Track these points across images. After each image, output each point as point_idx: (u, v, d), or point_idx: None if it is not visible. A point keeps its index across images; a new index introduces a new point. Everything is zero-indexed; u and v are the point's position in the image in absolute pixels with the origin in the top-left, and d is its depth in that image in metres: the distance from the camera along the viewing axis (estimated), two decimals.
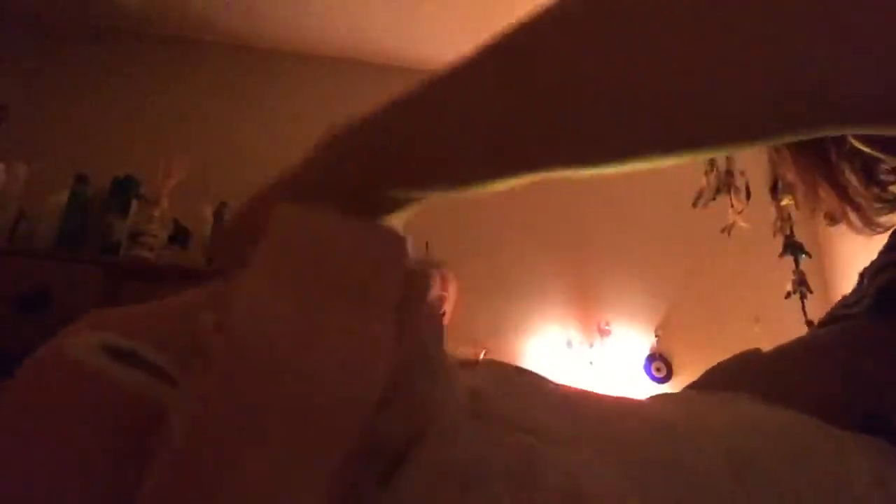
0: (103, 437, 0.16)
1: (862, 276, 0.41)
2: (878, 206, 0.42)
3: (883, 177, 0.42)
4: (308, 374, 0.19)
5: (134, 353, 0.18)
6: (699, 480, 0.24)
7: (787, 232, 2.14)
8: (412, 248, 0.27)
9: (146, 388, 0.17)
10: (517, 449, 0.21)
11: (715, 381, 0.37)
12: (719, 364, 0.39)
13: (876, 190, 0.41)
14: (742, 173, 2.08)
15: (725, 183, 2.09)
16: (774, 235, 2.15)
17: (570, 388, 0.29)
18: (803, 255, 2.16)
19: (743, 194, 2.08)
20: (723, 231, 2.14)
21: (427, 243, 2.29)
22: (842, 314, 0.40)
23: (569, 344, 2.43)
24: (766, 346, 0.44)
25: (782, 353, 0.38)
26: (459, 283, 2.13)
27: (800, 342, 0.38)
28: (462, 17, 2.46)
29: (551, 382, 0.29)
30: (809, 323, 2.03)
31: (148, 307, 0.21)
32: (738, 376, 0.36)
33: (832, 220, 0.45)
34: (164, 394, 0.17)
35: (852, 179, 0.41)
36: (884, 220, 0.42)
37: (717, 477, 0.24)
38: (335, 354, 0.20)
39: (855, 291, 0.41)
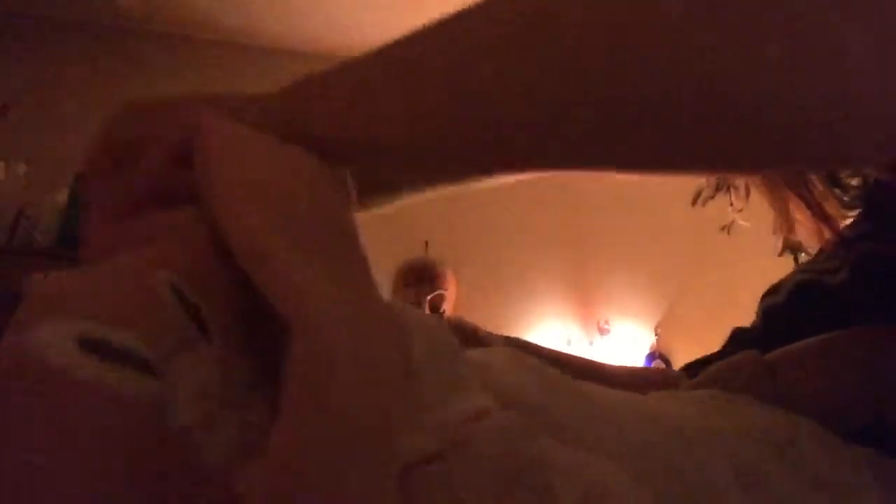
0: (108, 463, 0.14)
1: (837, 237, 0.41)
2: (841, 211, 0.42)
3: (844, 180, 0.42)
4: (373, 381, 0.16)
5: (108, 342, 0.15)
6: (708, 492, 0.24)
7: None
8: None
9: (134, 387, 0.15)
10: (537, 449, 0.20)
11: (718, 382, 0.36)
12: (722, 363, 0.38)
13: (838, 192, 0.41)
14: None
15: (724, 181, 2.09)
16: (774, 233, 2.15)
17: (581, 383, 0.28)
18: (802, 254, 2.16)
19: (742, 192, 2.08)
20: (722, 229, 2.14)
21: (427, 242, 2.29)
22: (826, 286, 0.40)
23: (568, 342, 2.43)
24: None
25: (787, 355, 0.38)
26: (459, 282, 2.13)
27: (808, 345, 0.38)
28: None
29: (564, 376, 0.27)
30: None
31: (91, 275, 0.18)
32: (742, 378, 0.36)
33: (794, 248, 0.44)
34: (151, 391, 0.15)
35: (818, 184, 0.41)
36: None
37: (725, 489, 0.24)
38: (381, 339, 0.18)
39: (830, 257, 0.42)
